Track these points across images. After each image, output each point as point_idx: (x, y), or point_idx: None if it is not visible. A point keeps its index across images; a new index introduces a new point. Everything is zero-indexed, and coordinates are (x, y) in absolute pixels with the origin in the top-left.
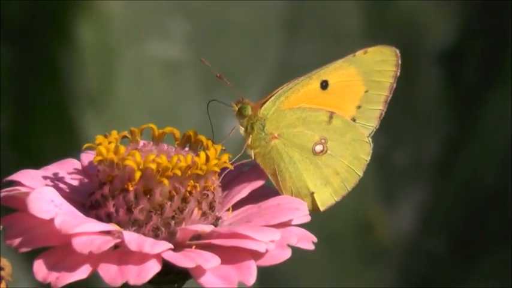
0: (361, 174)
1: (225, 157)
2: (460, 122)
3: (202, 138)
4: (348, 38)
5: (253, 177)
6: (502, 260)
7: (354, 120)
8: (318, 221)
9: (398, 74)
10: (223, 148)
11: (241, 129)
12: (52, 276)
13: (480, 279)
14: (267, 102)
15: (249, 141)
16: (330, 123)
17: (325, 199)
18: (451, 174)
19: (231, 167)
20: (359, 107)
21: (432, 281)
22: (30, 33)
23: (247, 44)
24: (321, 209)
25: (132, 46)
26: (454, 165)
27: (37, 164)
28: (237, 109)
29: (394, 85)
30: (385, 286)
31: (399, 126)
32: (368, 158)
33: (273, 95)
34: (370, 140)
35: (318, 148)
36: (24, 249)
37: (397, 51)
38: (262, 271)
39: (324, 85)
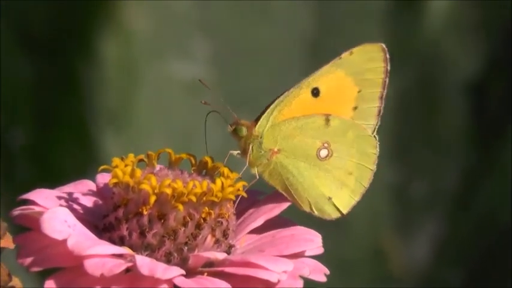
0: (373, 168)
1: (240, 185)
2: (481, 154)
3: (219, 164)
4: None
5: (268, 206)
6: None
7: None
8: (332, 248)
9: (389, 68)
10: (240, 176)
11: (234, 153)
12: None
13: None
14: (261, 119)
15: (249, 161)
16: (328, 126)
17: (345, 201)
18: (469, 207)
19: (246, 196)
20: (355, 108)
21: None
22: (53, 48)
23: (270, 64)
24: (344, 212)
25: (154, 65)
26: (472, 198)
27: (56, 181)
28: (231, 130)
29: (387, 80)
30: None
31: (419, 155)
32: (376, 151)
33: (265, 111)
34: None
35: (323, 153)
36: (35, 269)
37: (384, 46)
38: None
39: (315, 92)
